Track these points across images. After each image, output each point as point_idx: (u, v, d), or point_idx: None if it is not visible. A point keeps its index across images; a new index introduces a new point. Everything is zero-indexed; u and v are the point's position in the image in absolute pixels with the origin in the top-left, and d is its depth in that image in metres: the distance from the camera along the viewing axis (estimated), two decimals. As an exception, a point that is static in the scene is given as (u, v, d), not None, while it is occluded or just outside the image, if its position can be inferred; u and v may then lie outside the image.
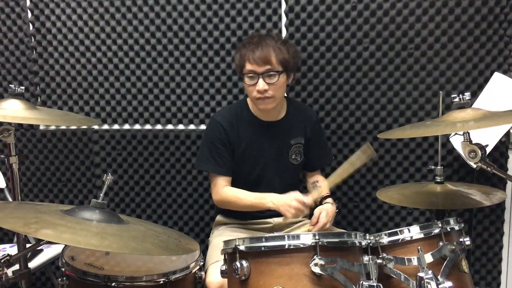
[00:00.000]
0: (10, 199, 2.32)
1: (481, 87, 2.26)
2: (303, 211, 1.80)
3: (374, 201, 2.44)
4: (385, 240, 1.45)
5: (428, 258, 1.40)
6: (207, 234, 2.36)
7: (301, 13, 2.32)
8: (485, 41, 2.28)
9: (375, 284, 1.26)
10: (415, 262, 1.38)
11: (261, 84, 1.85)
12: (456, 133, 2.14)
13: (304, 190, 2.18)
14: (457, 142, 2.17)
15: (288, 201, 1.79)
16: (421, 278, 1.28)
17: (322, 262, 1.25)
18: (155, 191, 2.52)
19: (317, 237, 1.29)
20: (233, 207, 1.98)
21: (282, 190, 2.00)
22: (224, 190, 1.96)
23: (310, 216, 1.91)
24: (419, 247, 1.36)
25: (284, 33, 2.35)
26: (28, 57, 2.49)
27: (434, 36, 2.29)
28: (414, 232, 1.46)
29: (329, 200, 1.97)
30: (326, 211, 1.84)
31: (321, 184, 2.10)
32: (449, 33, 2.29)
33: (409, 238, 1.45)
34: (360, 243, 1.37)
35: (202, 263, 1.65)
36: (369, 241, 1.41)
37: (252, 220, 2.06)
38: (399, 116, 2.37)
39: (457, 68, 2.31)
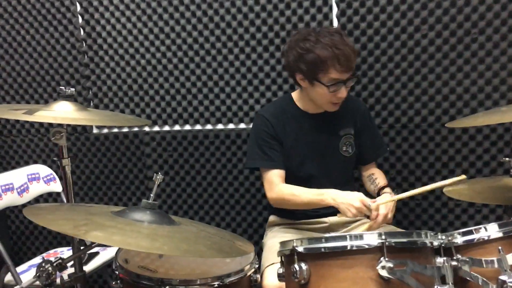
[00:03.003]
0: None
1: (557, 71, 2.06)
2: (364, 213, 1.68)
3: (438, 199, 2.27)
4: (459, 240, 1.30)
5: (511, 259, 1.25)
6: (261, 236, 2.29)
7: (353, 2, 2.21)
8: (560, 20, 2.07)
9: (452, 289, 1.14)
10: (495, 264, 1.24)
11: (345, 93, 1.80)
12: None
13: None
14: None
15: (351, 200, 1.67)
16: (504, 282, 1.15)
17: (390, 264, 1.14)
18: (207, 192, 2.48)
19: (383, 237, 1.17)
20: (290, 206, 1.89)
21: (335, 186, 1.90)
22: (280, 187, 1.86)
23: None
24: (499, 247, 1.22)
25: (335, 24, 2.24)
26: (80, 62, 2.52)
27: (500, 19, 2.10)
28: (492, 230, 1.30)
29: (387, 190, 1.85)
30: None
31: (377, 176, 1.98)
32: (517, 14, 2.10)
33: (486, 238, 1.30)
34: (431, 243, 1.24)
35: (257, 266, 1.58)
36: (441, 241, 1.28)
37: (306, 219, 1.97)
38: (463, 107, 2.19)
39: (528, 51, 2.12)
